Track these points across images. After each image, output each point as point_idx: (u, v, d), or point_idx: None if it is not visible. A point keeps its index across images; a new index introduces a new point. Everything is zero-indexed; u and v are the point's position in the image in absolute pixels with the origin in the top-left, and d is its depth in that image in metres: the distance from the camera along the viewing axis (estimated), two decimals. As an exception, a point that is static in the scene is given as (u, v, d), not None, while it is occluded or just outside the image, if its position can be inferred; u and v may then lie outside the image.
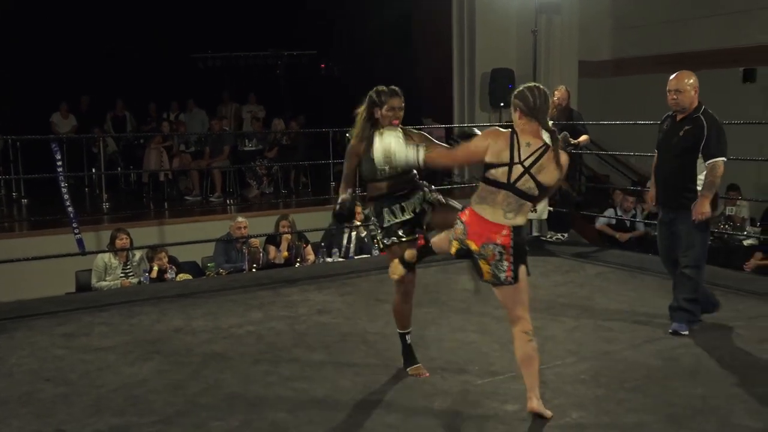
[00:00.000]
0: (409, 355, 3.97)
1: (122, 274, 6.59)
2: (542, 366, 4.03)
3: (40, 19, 13.13)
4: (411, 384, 3.84)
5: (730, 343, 4.47)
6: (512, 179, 3.18)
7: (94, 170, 11.40)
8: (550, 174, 3.21)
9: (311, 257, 7.36)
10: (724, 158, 4.46)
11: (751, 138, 9.39)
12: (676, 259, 4.68)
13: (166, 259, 6.84)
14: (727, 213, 8.92)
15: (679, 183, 4.58)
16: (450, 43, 11.82)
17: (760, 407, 3.52)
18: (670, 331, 4.57)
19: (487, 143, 3.26)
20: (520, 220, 3.24)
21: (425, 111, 12.51)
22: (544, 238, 7.61)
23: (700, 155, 4.46)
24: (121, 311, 5.33)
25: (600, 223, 8.85)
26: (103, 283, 6.48)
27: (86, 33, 13.64)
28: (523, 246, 3.28)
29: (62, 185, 5.60)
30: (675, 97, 4.53)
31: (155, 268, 6.76)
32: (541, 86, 3.31)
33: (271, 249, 7.26)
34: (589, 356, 4.27)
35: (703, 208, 4.44)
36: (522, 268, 3.27)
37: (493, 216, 3.20)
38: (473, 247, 3.24)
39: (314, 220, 8.77)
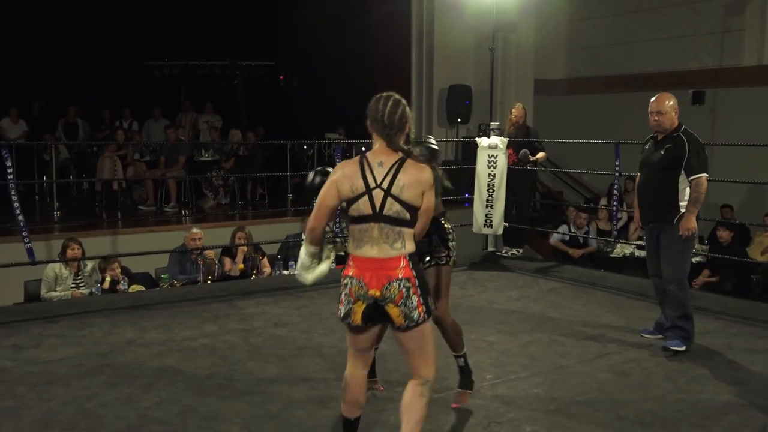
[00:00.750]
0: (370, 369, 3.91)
1: (73, 285, 6.44)
2: (497, 380, 4.11)
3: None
4: (367, 399, 3.83)
5: (677, 358, 4.54)
6: (378, 208, 2.75)
7: (45, 178, 11.14)
8: (413, 191, 2.76)
9: (267, 269, 7.30)
10: (706, 174, 4.54)
11: (699, 158, 9.64)
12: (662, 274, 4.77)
13: (118, 270, 6.71)
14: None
15: (661, 198, 4.62)
16: (409, 58, 11.90)
17: (705, 421, 3.60)
18: (666, 347, 4.60)
19: (334, 179, 2.83)
20: (410, 247, 2.81)
21: (383, 125, 12.55)
22: (499, 254, 7.69)
23: (682, 172, 4.53)
24: (72, 323, 5.23)
25: (554, 239, 8.98)
26: (53, 294, 6.32)
27: (38, 36, 13.32)
28: (424, 275, 2.91)
29: (12, 193, 5.45)
30: (657, 118, 4.58)
31: (107, 278, 6.63)
32: (395, 96, 2.87)
33: (227, 261, 7.19)
34: (543, 370, 4.31)
35: (689, 223, 4.53)
36: (430, 300, 2.87)
37: (380, 252, 2.76)
38: (376, 294, 2.74)
39: (271, 232, 8.70)
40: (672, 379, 4.18)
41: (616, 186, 7.25)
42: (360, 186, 2.75)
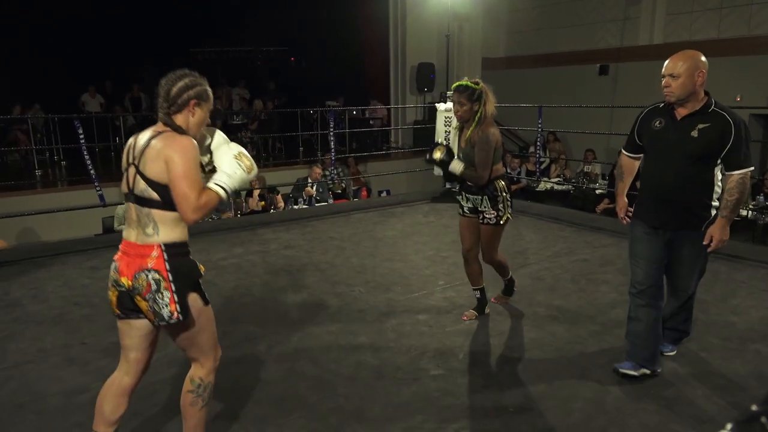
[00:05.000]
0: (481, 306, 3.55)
1: (138, 220, 6.35)
2: (447, 285, 4.06)
3: (72, 17, 12.31)
4: (350, 301, 3.82)
5: (579, 266, 4.51)
6: (131, 184, 1.88)
7: (117, 140, 10.92)
8: (155, 168, 1.81)
9: (281, 204, 7.21)
10: (752, 167, 2.59)
11: (605, 117, 9.50)
12: (662, 283, 2.79)
13: (171, 208, 6.62)
14: (585, 170, 9.07)
15: (691, 198, 2.60)
16: (387, 43, 11.60)
17: (597, 313, 3.60)
18: (662, 352, 2.91)
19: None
20: (168, 235, 1.85)
21: (371, 94, 12.31)
22: (454, 190, 7.55)
23: (718, 162, 2.57)
24: (135, 249, 5.15)
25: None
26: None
27: (108, 28, 12.87)
28: (190, 269, 1.91)
29: (84, 154, 5.29)
30: (669, 83, 2.53)
31: (163, 214, 6.53)
32: (180, 71, 1.92)
33: (251, 200, 7.09)
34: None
35: (725, 235, 2.58)
36: (193, 298, 1.91)
37: (136, 236, 1.87)
38: (127, 283, 1.85)
39: (285, 177, 8.59)
40: (575, 282, 4.14)
41: (539, 138, 7.14)
42: (125, 162, 1.92)
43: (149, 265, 1.84)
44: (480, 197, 3.23)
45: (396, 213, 6.52)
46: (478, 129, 3.15)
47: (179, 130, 1.89)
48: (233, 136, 10.82)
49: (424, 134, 8.72)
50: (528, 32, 11.97)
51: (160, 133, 1.87)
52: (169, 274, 1.85)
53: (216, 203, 1.88)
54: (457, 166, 3.19)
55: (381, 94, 12.13)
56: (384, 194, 8.80)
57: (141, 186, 1.85)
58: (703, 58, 2.53)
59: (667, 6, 9.75)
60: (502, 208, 3.21)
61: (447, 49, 8.59)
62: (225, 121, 10.97)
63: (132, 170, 1.87)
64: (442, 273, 4.36)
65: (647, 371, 2.76)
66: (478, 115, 3.16)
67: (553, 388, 2.70)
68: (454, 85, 3.22)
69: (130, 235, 1.91)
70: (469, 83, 3.16)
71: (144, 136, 1.89)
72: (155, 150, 1.83)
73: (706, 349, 3.08)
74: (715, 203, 2.63)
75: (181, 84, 1.89)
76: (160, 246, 1.85)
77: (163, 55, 13.62)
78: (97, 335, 3.33)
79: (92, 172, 5.27)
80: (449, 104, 7.09)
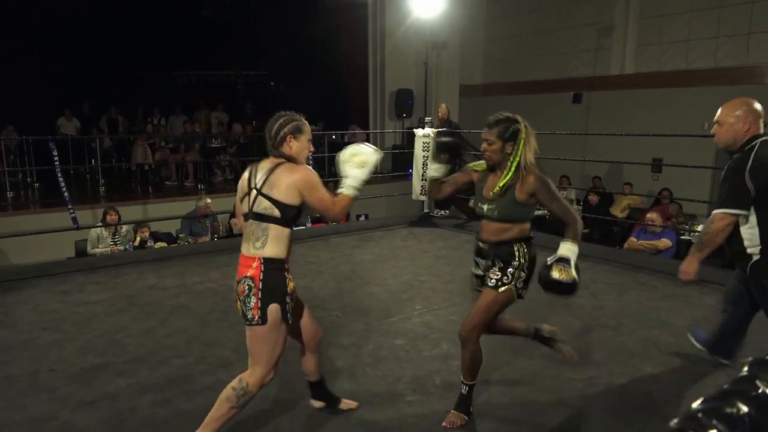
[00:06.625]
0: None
1: (111, 243, 6.24)
2: (424, 310, 4.06)
3: (49, 40, 12.23)
4: (327, 325, 3.77)
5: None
6: (251, 205, 2.22)
7: (93, 162, 10.78)
8: (283, 190, 2.16)
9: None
10: (725, 210, 2.50)
11: (578, 144, 9.71)
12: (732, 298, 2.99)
13: (148, 233, 6.52)
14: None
15: (731, 240, 2.62)
16: (367, 69, 11.73)
17: (570, 337, 3.62)
18: None
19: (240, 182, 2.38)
20: (270, 251, 2.17)
21: (350, 119, 12.40)
22: (432, 214, 7.64)
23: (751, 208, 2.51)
24: (109, 272, 5.08)
25: (473, 202, 8.97)
26: (97, 250, 6.13)
27: (85, 50, 12.78)
28: (278, 285, 2.17)
29: (59, 176, 5.22)
30: (716, 131, 2.59)
31: (138, 238, 6.44)
32: (280, 113, 2.33)
33: (233, 222, 7.02)
34: (458, 302, 4.29)
35: (686, 267, 2.64)
36: (273, 309, 2.17)
37: (246, 249, 2.22)
38: (235, 287, 2.25)
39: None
40: (550, 305, 4.16)
41: (516, 164, 7.24)
42: (246, 187, 2.28)
43: (248, 273, 2.17)
44: (491, 260, 2.57)
45: (374, 237, 6.54)
46: (517, 178, 2.42)
47: (292, 159, 2.25)
48: (212, 158, 10.82)
49: (402, 159, 8.82)
50: (504, 60, 12.24)
51: (280, 164, 2.22)
52: (260, 283, 2.15)
53: (351, 200, 2.25)
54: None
55: (360, 119, 12.23)
56: (362, 218, 8.81)
57: (264, 205, 2.18)
58: (755, 106, 2.55)
59: (637, 37, 10.08)
60: (510, 275, 2.52)
61: (425, 76, 8.73)
62: (204, 144, 10.91)
63: (254, 194, 2.22)
64: (420, 298, 4.37)
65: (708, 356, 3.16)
66: (515, 161, 2.42)
67: (529, 414, 2.70)
68: (490, 119, 2.55)
69: (244, 249, 2.24)
70: (501, 115, 2.51)
71: (264, 166, 2.25)
72: (283, 177, 2.18)
73: (677, 372, 3.13)
74: (752, 249, 2.55)
75: (278, 124, 2.28)
76: (260, 259, 2.16)
77: (143, 78, 13.61)
78: (66, 361, 3.25)
79: (66, 194, 5.19)
80: (427, 129, 7.20)
